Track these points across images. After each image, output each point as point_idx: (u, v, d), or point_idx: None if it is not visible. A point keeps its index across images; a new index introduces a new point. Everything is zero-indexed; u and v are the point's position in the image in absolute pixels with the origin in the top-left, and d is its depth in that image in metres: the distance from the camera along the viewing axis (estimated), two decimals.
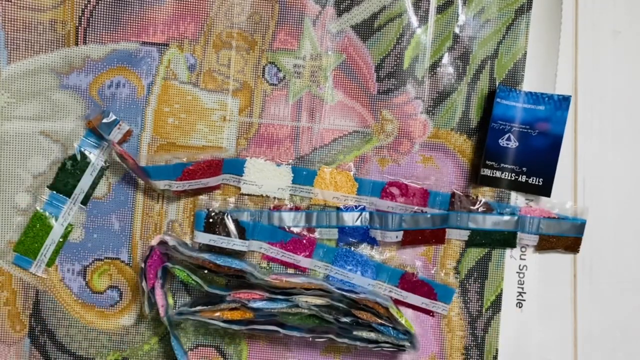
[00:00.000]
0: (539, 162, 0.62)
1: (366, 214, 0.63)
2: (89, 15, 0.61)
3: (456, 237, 0.64)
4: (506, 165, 0.62)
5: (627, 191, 0.65)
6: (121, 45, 0.62)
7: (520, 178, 0.62)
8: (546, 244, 0.64)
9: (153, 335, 0.64)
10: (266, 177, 0.63)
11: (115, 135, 0.61)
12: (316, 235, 0.63)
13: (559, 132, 0.61)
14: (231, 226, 0.61)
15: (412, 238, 0.63)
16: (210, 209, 0.62)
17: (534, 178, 0.62)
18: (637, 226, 0.65)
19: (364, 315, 0.59)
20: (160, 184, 0.60)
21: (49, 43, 0.61)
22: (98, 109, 0.62)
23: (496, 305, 0.65)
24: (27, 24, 0.61)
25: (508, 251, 0.65)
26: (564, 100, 0.61)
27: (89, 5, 0.61)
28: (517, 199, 0.64)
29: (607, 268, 0.65)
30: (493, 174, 0.62)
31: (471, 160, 0.64)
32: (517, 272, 0.65)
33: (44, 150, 0.62)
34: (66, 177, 0.62)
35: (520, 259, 0.65)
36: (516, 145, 0.61)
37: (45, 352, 0.63)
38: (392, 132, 0.64)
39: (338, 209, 0.63)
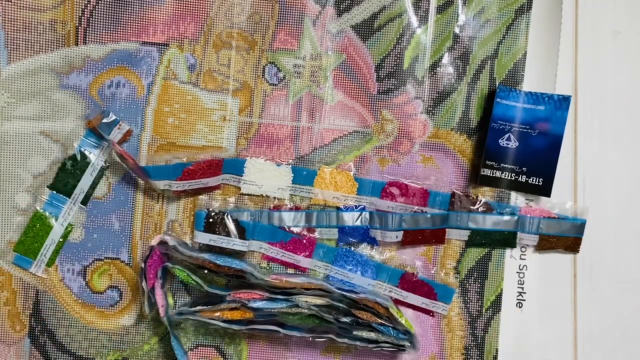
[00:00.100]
0: (539, 162, 0.62)
1: (366, 214, 0.63)
2: (89, 15, 0.61)
3: (456, 237, 0.64)
4: (506, 165, 0.62)
5: (627, 191, 0.65)
6: (121, 45, 0.62)
7: (520, 178, 0.62)
8: (546, 244, 0.64)
9: (153, 335, 0.64)
10: (266, 177, 0.63)
11: (115, 135, 0.61)
12: (316, 235, 0.63)
13: (559, 132, 0.61)
14: (231, 226, 0.61)
15: (412, 238, 0.63)
16: (210, 209, 0.62)
17: (534, 178, 0.62)
18: (637, 226, 0.65)
19: (364, 315, 0.59)
20: (160, 184, 0.60)
21: (49, 43, 0.61)
22: (98, 109, 0.62)
23: (496, 305, 0.65)
24: (27, 24, 0.61)
25: (508, 251, 0.65)
26: (564, 100, 0.61)
27: (89, 5, 0.61)
28: (517, 199, 0.64)
29: (607, 268, 0.65)
30: (493, 174, 0.62)
31: (471, 160, 0.64)
32: (517, 272, 0.65)
33: (44, 150, 0.62)
34: (66, 177, 0.62)
35: (520, 259, 0.65)
36: (516, 145, 0.61)
37: (45, 352, 0.63)
38: (392, 132, 0.64)
39: (338, 209, 0.63)
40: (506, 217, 0.63)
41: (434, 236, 0.63)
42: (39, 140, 0.62)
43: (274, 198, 0.63)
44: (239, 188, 0.63)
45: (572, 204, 0.64)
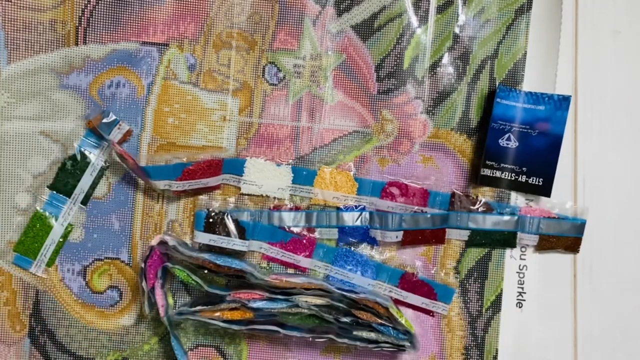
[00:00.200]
0: (539, 162, 0.62)
1: (366, 214, 0.63)
2: (89, 15, 0.61)
3: (456, 237, 0.64)
4: (506, 165, 0.62)
5: (627, 191, 0.65)
6: (121, 45, 0.62)
7: (520, 178, 0.62)
8: (546, 244, 0.64)
9: (153, 335, 0.64)
10: (266, 177, 0.63)
11: (115, 135, 0.61)
12: (316, 235, 0.63)
13: (559, 132, 0.61)
14: (231, 226, 0.61)
15: (412, 238, 0.63)
16: (210, 209, 0.62)
17: (534, 178, 0.62)
18: (637, 226, 0.65)
19: (364, 315, 0.59)
20: (160, 184, 0.60)
21: (49, 43, 0.61)
22: (98, 109, 0.62)
23: (496, 305, 0.65)
24: (27, 24, 0.61)
25: (508, 251, 0.65)
26: (564, 100, 0.61)
27: (89, 5, 0.61)
28: (517, 199, 0.64)
29: (607, 268, 0.65)
30: (493, 174, 0.62)
31: (471, 160, 0.64)
32: (517, 272, 0.65)
33: (44, 150, 0.62)
34: (66, 177, 0.62)
35: (520, 259, 0.65)
36: (516, 145, 0.61)
37: (45, 352, 0.63)
38: (392, 132, 0.64)
39: (338, 208, 0.63)
40: (506, 217, 0.63)
41: (434, 236, 0.63)
42: (39, 140, 0.62)
43: (274, 198, 0.63)
44: (239, 188, 0.63)
45: (572, 204, 0.64)
